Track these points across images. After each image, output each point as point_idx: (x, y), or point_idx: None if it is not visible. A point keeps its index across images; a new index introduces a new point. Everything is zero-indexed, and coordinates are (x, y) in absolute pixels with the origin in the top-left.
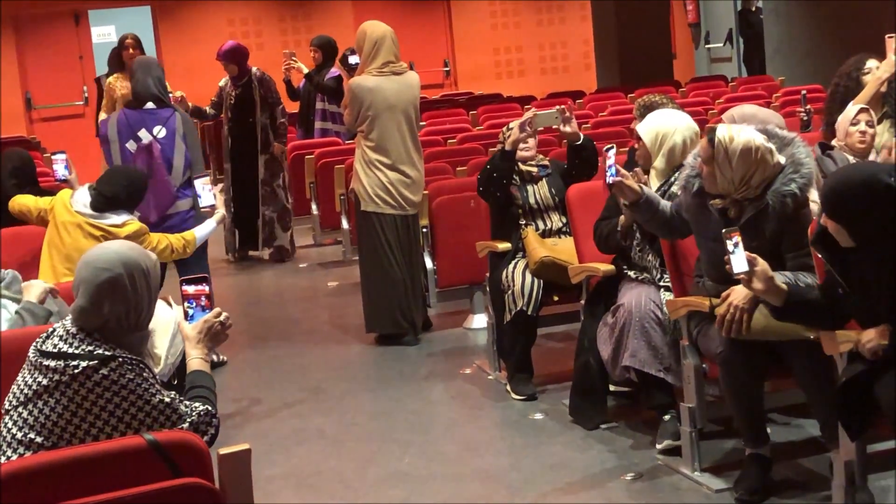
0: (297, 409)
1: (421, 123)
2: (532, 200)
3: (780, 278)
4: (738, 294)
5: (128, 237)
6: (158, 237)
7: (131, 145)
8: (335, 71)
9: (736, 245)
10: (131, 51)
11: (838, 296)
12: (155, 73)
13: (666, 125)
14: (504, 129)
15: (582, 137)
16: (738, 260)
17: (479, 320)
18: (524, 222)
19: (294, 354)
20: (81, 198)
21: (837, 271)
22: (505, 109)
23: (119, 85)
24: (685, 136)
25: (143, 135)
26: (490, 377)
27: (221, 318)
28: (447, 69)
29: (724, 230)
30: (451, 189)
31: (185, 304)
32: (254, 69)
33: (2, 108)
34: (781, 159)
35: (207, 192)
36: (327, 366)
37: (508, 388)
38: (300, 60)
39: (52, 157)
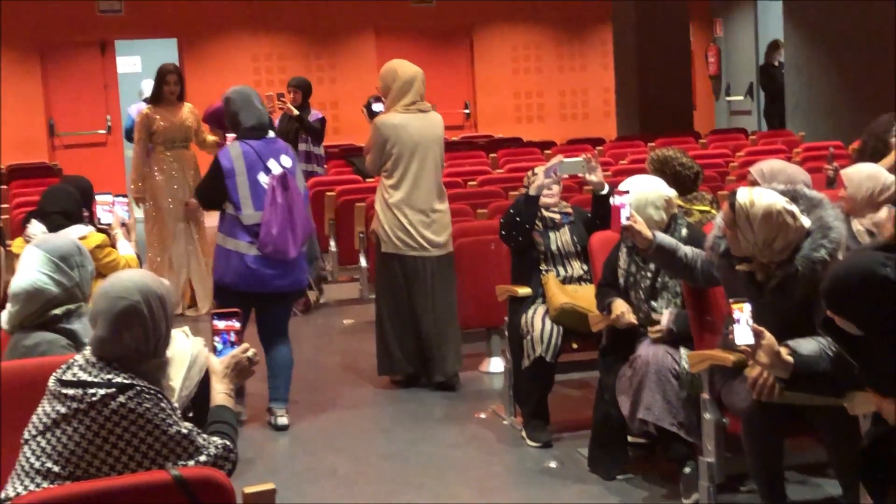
0: (310, 447)
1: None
2: (554, 246)
3: (807, 346)
4: None
5: (96, 248)
6: (113, 252)
7: (262, 177)
8: (317, 113)
9: (741, 316)
10: (172, 86)
11: (851, 367)
12: (258, 99)
13: (640, 192)
14: (529, 173)
15: (607, 187)
16: (743, 332)
17: (496, 364)
18: (545, 268)
19: (307, 392)
20: (36, 229)
21: (848, 353)
22: (525, 154)
23: (158, 117)
24: (657, 205)
25: (273, 165)
26: (505, 422)
27: (249, 353)
28: (467, 111)
29: (730, 300)
30: (472, 231)
31: (214, 339)
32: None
33: (25, 134)
34: (806, 222)
35: (105, 211)
36: (341, 404)
37: (524, 434)
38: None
39: (96, 197)
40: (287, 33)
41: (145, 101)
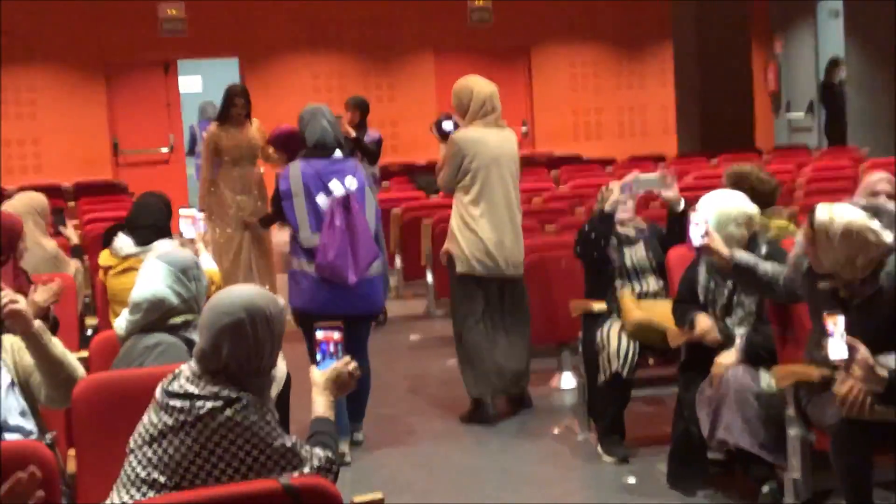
0: (385, 461)
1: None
2: (628, 262)
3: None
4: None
5: None
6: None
7: (322, 199)
8: (374, 133)
9: (835, 329)
10: (240, 108)
11: None
12: (329, 117)
13: (721, 209)
14: (603, 189)
15: (682, 203)
16: (837, 345)
17: (567, 380)
18: (620, 284)
19: (379, 407)
20: (123, 242)
21: None
22: (585, 170)
23: (224, 135)
24: (738, 221)
25: (336, 186)
26: (580, 438)
27: (350, 367)
28: (525, 128)
29: (825, 312)
30: (541, 248)
31: (318, 350)
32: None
33: (90, 153)
34: (888, 237)
35: (188, 226)
36: (413, 420)
37: (600, 449)
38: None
39: (180, 212)
40: (347, 52)
41: (214, 120)
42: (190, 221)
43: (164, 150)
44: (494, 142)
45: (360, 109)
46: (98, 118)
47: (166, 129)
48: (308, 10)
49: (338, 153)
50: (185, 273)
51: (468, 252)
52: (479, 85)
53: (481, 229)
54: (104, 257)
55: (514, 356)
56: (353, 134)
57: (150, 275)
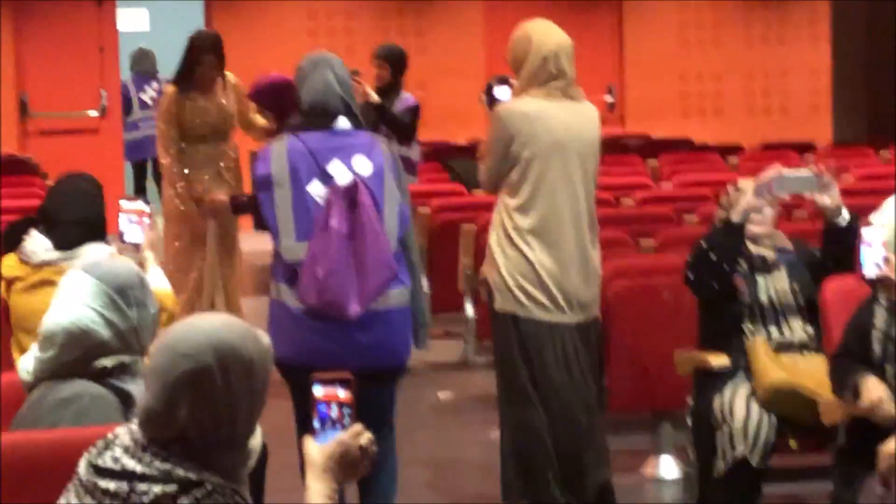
0: None
1: None
2: (764, 297)
3: None
4: None
5: None
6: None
7: (316, 188)
8: (409, 97)
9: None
10: (208, 69)
11: None
12: (339, 71)
13: None
14: (729, 188)
15: (846, 215)
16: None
17: (668, 466)
18: (750, 328)
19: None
20: (37, 244)
21: None
22: (698, 161)
23: (189, 103)
24: None
25: (337, 170)
26: None
27: (362, 440)
28: (611, 99)
29: None
30: (633, 271)
31: (315, 415)
32: None
33: None
34: None
35: (133, 224)
36: None
37: None
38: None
39: (121, 203)
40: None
41: (172, 81)
42: (135, 219)
43: (93, 112)
44: (562, 121)
45: (393, 63)
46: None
47: (97, 84)
48: None
49: (342, 122)
50: (123, 294)
51: (511, 281)
52: (541, 34)
53: (532, 249)
54: (8, 265)
55: (585, 447)
56: (374, 98)
57: (72, 294)
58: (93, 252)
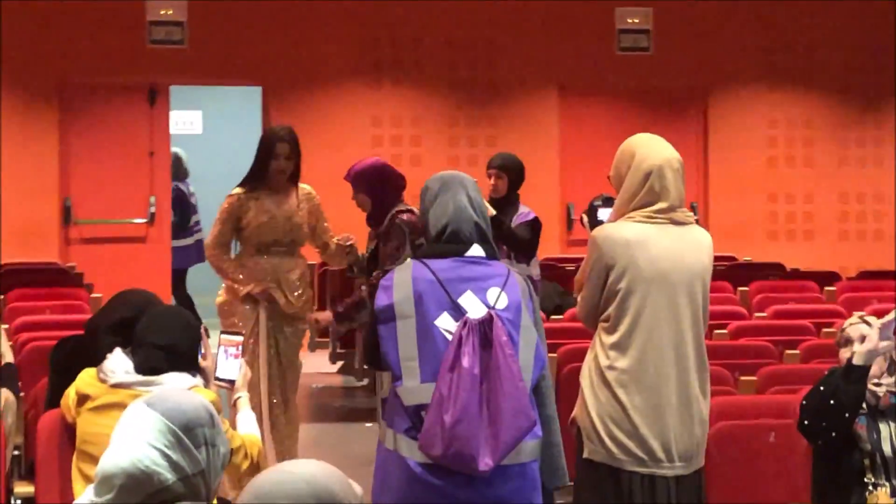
0: None
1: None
2: (887, 447)
3: None
4: None
5: None
6: (233, 433)
7: (446, 322)
8: (528, 211)
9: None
10: (283, 162)
11: None
12: (473, 193)
13: None
14: (849, 322)
15: None
16: None
17: None
18: (872, 480)
19: None
20: (117, 365)
21: None
22: (791, 290)
23: (255, 205)
24: None
25: (470, 303)
26: None
27: None
28: (694, 216)
29: None
30: (731, 411)
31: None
32: (401, 209)
33: (28, 219)
34: None
35: (230, 359)
36: None
37: None
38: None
39: (221, 336)
40: (425, 88)
41: (240, 183)
42: (234, 352)
43: (140, 220)
44: (664, 246)
45: (511, 174)
46: (44, 168)
47: (146, 190)
48: (372, 22)
49: (476, 249)
50: (191, 433)
51: (601, 427)
52: (645, 148)
53: (627, 392)
54: (84, 380)
55: None
56: (490, 210)
57: (133, 432)
58: (174, 381)
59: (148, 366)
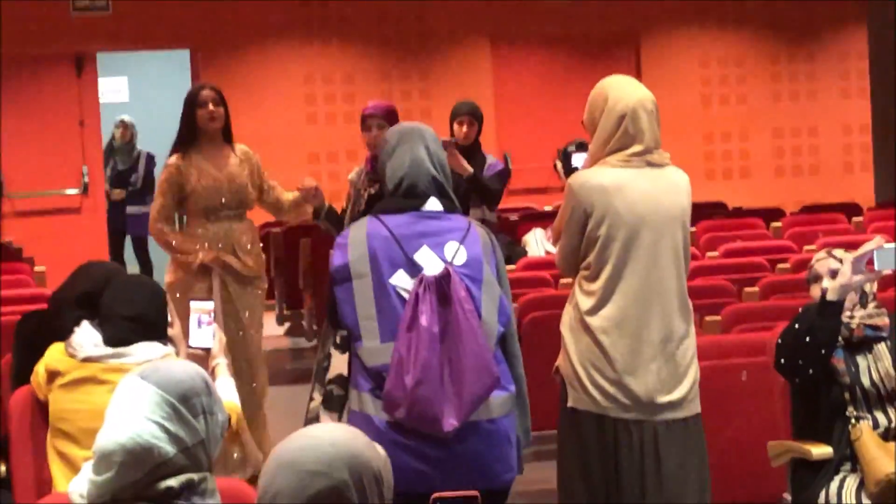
0: None
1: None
2: (866, 381)
3: None
4: None
5: None
6: (228, 403)
7: (401, 279)
8: (496, 161)
9: None
10: (213, 108)
11: None
12: (432, 145)
13: None
14: (817, 257)
15: None
16: None
17: None
18: (854, 414)
19: None
20: (86, 338)
21: None
22: (738, 228)
23: (195, 170)
24: None
25: (426, 259)
26: None
27: None
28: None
29: None
30: (701, 352)
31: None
32: None
33: None
34: None
35: (203, 326)
36: None
37: None
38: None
39: (191, 304)
40: (357, 43)
41: (172, 150)
42: (206, 319)
43: (74, 191)
44: (642, 190)
45: (480, 121)
46: None
47: (79, 160)
48: None
49: (433, 203)
50: (188, 403)
51: (584, 374)
52: (618, 90)
53: (610, 339)
54: (52, 356)
55: None
56: (469, 171)
57: (128, 406)
58: (145, 351)
59: (117, 338)
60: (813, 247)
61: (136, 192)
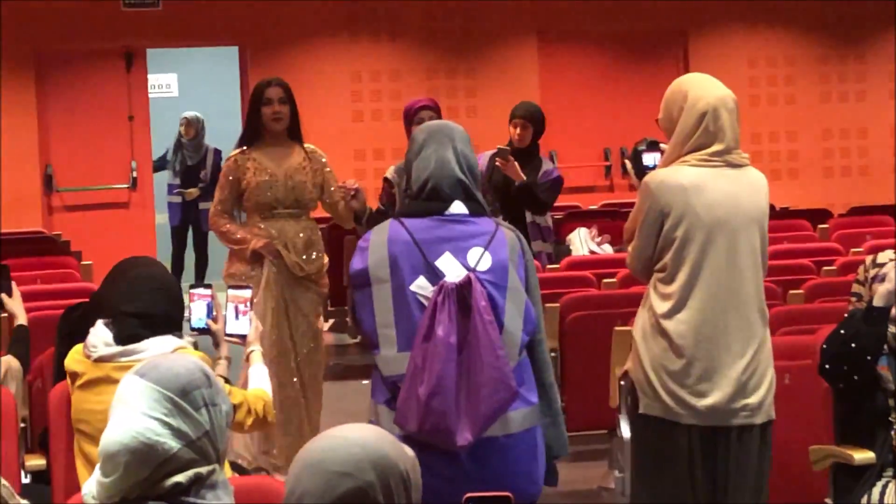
0: None
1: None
2: None
3: None
4: None
5: None
6: (232, 389)
7: (422, 286)
8: (553, 168)
9: None
10: (277, 105)
11: None
12: (460, 145)
13: None
14: (867, 262)
15: None
16: None
17: None
18: None
19: None
20: (98, 338)
21: None
22: (783, 229)
23: (253, 165)
24: None
25: (448, 265)
26: None
27: None
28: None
29: None
30: None
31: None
32: None
33: (9, 189)
34: None
35: (240, 315)
36: None
37: None
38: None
39: (191, 291)
40: (403, 40)
41: (238, 144)
42: (243, 308)
43: (123, 186)
44: (722, 190)
45: (536, 125)
46: (23, 137)
47: (127, 155)
48: None
49: (458, 206)
50: (188, 396)
51: (656, 380)
52: (698, 88)
53: (685, 343)
54: (72, 358)
55: None
56: (522, 178)
57: (129, 405)
58: (155, 345)
59: (124, 335)
60: (860, 249)
61: (206, 187)
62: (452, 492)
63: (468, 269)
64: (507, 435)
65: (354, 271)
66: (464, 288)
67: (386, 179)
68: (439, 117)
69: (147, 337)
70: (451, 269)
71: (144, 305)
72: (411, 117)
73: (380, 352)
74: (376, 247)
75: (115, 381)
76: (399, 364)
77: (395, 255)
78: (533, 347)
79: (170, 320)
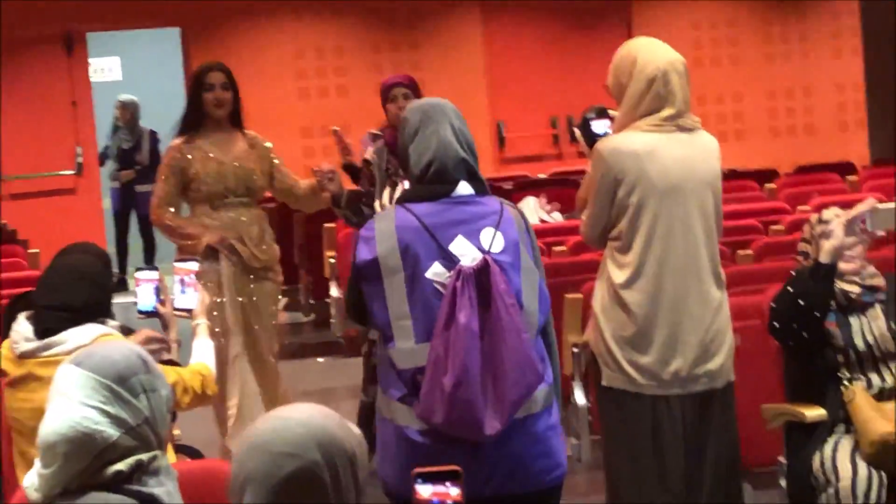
0: None
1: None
2: (860, 341)
3: None
4: None
5: None
6: (165, 368)
7: (438, 273)
8: None
9: None
10: (219, 91)
11: None
12: (456, 122)
13: None
14: (812, 220)
15: None
16: None
17: None
18: (847, 376)
19: None
20: (19, 333)
21: None
22: (731, 190)
23: (193, 155)
24: None
25: (462, 249)
26: None
27: None
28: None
29: None
30: None
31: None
32: None
33: None
34: None
35: (187, 288)
36: None
37: None
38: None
39: (136, 275)
40: (346, 16)
41: (179, 132)
42: (189, 280)
43: (69, 172)
44: (674, 156)
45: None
46: None
47: (72, 141)
48: None
49: (463, 187)
50: (126, 382)
51: (618, 351)
52: (647, 52)
53: (645, 312)
54: (4, 354)
55: None
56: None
57: (65, 395)
58: (77, 336)
59: (43, 328)
60: (807, 207)
61: (143, 170)
62: (478, 480)
63: (482, 251)
64: (532, 415)
65: (363, 262)
66: (482, 272)
67: (365, 161)
68: (415, 94)
69: (67, 328)
70: (466, 252)
71: (63, 297)
72: (385, 94)
73: (395, 345)
74: (384, 235)
75: (39, 378)
76: (417, 356)
77: (407, 242)
78: (545, 329)
79: (94, 309)
